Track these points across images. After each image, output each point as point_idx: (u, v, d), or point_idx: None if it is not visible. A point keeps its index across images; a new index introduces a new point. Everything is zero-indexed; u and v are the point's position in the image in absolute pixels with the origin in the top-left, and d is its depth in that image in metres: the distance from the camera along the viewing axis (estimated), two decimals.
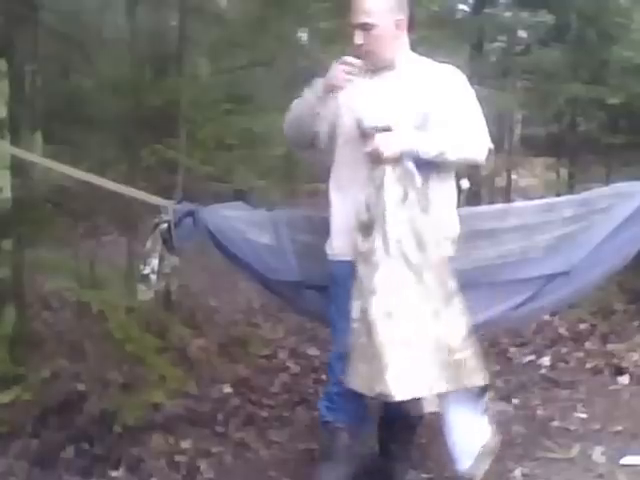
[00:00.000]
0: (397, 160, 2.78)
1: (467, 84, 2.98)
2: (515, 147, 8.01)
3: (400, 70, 2.94)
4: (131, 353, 3.43)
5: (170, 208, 3.16)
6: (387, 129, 2.78)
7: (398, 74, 2.93)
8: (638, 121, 5.88)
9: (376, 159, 2.78)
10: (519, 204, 3.76)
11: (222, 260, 3.41)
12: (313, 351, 4.78)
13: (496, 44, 7.77)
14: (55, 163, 3.19)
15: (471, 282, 3.44)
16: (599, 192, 3.59)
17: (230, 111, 4.43)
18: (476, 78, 7.03)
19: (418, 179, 2.81)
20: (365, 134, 2.82)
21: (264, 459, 3.51)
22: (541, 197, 6.13)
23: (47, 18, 4.82)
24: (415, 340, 2.75)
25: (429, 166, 2.88)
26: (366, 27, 2.85)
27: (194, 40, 4.69)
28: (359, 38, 2.86)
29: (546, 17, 7.06)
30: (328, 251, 3.01)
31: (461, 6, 7.56)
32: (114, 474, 3.29)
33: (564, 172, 7.05)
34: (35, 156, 3.23)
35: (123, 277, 4.20)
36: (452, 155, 2.86)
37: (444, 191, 3.00)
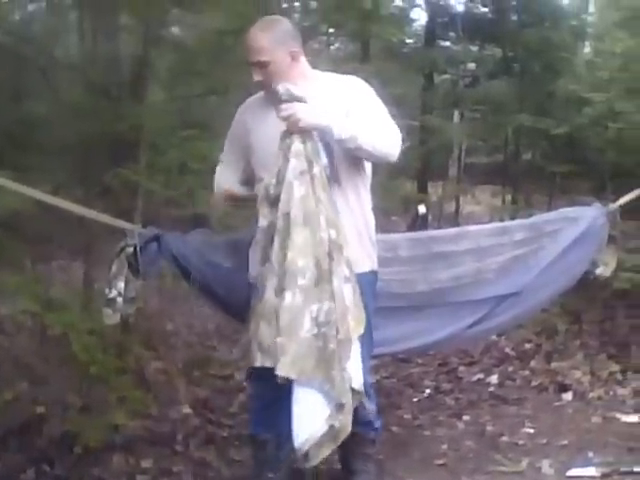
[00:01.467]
0: (309, 134, 2.83)
1: (372, 92, 3.03)
2: (462, 175, 8.22)
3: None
4: (94, 375, 3.45)
5: (136, 232, 3.22)
6: (301, 99, 2.83)
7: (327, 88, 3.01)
8: (580, 151, 6.13)
9: (291, 125, 2.81)
10: (473, 228, 3.89)
11: (186, 285, 3.50)
12: None
13: (446, 76, 7.96)
14: (21, 186, 3.21)
15: (428, 303, 3.61)
16: (547, 217, 3.82)
17: (190, 137, 4.50)
18: (427, 108, 7.29)
19: (324, 158, 2.87)
20: (281, 102, 2.85)
21: (225, 477, 3.55)
22: (488, 222, 6.36)
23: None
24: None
25: (341, 160, 2.95)
26: (261, 65, 2.95)
27: (153, 67, 4.76)
28: (257, 75, 2.97)
29: (494, 50, 7.32)
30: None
31: (411, 40, 7.78)
32: None
33: (509, 199, 7.28)
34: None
35: (81, 300, 4.20)
36: (365, 144, 2.86)
37: (360, 191, 3.06)
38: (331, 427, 2.81)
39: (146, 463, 3.59)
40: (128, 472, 3.50)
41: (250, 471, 3.36)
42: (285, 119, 2.81)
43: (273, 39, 2.94)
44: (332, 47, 7.17)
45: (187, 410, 4.12)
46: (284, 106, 2.82)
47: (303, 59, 3.06)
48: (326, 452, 2.85)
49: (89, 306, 3.96)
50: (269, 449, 3.21)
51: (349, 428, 2.85)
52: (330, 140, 2.88)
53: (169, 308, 5.60)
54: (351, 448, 3.28)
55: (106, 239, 4.09)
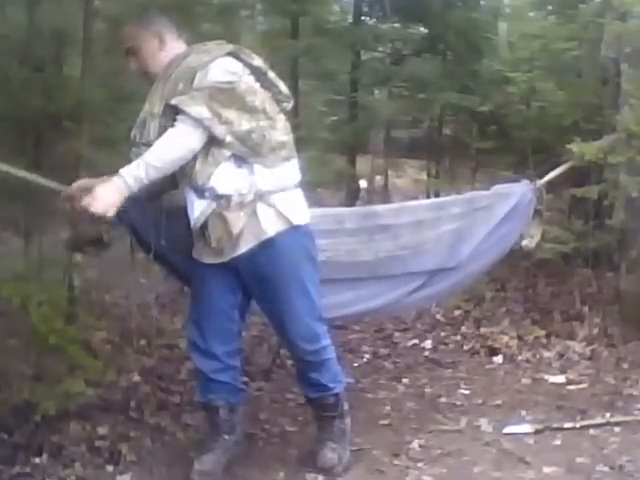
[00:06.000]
0: None
1: (217, 77, 2.98)
2: (390, 150, 8.41)
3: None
4: (53, 345, 3.49)
5: None
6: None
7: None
8: (502, 127, 6.38)
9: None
10: (413, 203, 4.09)
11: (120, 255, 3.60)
12: None
13: (375, 54, 8.06)
14: None
15: (370, 274, 3.78)
16: (481, 193, 4.03)
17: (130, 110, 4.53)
18: (356, 85, 7.42)
19: None
20: None
21: (182, 441, 3.65)
22: (415, 196, 6.59)
23: None
24: None
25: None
26: (132, 51, 3.12)
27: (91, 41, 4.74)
28: (132, 64, 3.15)
29: (419, 30, 7.50)
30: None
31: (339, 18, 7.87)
32: (37, 461, 3.37)
33: (435, 173, 7.50)
34: None
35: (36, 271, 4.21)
36: (158, 164, 2.96)
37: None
38: None
39: (103, 430, 3.63)
40: (86, 438, 3.55)
41: (205, 435, 3.48)
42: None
43: (140, 26, 3.14)
44: (263, 22, 7.22)
45: (136, 378, 4.19)
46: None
47: (173, 41, 3.15)
48: None
49: (41, 277, 3.99)
50: (222, 413, 3.36)
51: None
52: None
53: (106, 279, 5.64)
54: (315, 412, 3.46)
55: (47, 210, 4.14)
